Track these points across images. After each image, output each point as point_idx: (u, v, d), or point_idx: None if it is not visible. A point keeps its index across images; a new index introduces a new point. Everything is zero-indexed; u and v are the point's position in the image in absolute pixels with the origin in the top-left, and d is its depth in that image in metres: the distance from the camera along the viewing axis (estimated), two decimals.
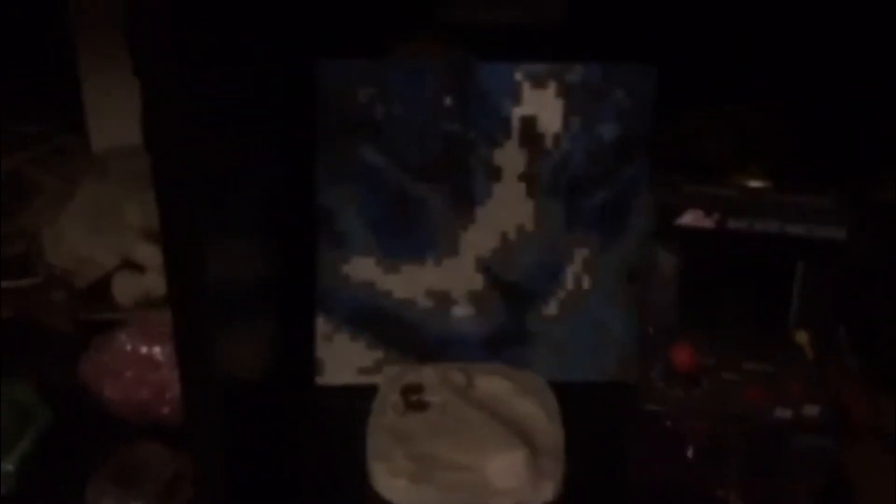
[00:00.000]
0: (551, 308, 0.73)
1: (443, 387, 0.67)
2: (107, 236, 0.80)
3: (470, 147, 0.71)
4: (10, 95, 0.88)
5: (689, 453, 0.56)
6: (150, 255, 0.77)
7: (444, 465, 0.59)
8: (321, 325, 0.72)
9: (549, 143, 0.72)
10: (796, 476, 0.55)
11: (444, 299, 0.73)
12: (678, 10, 0.73)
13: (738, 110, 0.73)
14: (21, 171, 0.85)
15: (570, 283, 0.73)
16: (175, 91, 0.45)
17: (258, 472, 0.63)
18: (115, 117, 0.89)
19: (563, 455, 0.61)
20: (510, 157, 0.72)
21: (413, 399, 0.65)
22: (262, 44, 0.65)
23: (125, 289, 0.77)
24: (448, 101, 0.70)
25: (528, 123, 0.71)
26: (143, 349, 0.65)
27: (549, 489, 0.59)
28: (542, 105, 0.71)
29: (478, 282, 0.73)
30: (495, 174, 0.72)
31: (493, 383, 0.67)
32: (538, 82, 0.70)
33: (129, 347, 0.65)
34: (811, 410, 0.54)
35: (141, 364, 0.65)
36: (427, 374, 0.68)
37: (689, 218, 0.55)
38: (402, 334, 0.73)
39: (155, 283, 0.77)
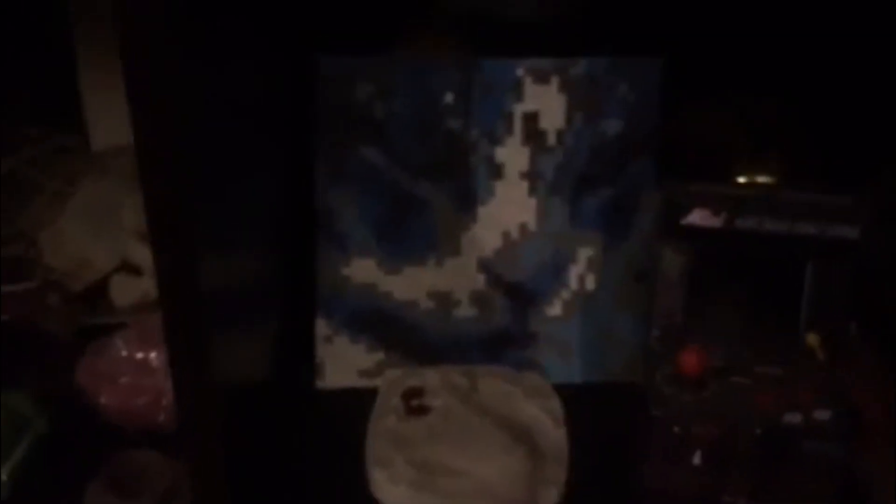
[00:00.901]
0: (555, 309, 0.72)
1: (445, 390, 0.65)
2: (105, 238, 0.79)
3: (472, 145, 0.70)
4: (9, 96, 0.87)
5: (697, 459, 0.54)
6: (148, 257, 0.76)
7: (445, 471, 0.58)
8: (321, 327, 0.71)
9: (552, 139, 0.70)
10: (807, 482, 0.53)
11: (445, 300, 0.72)
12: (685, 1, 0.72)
13: (748, 104, 0.72)
14: (20, 172, 0.84)
15: (574, 284, 0.72)
16: (163, 86, 0.44)
17: (257, 478, 0.61)
18: (114, 117, 0.88)
19: (566, 460, 0.60)
20: (513, 154, 0.70)
21: (414, 403, 0.63)
22: (259, 40, 0.63)
23: (123, 291, 0.76)
24: (449, 98, 0.69)
25: (531, 120, 0.70)
26: (140, 354, 0.64)
27: (551, 495, 0.58)
28: (545, 101, 0.69)
29: (480, 282, 0.72)
30: (497, 172, 0.71)
31: (496, 386, 0.66)
32: (541, 77, 0.69)
33: (125, 353, 0.64)
34: (822, 415, 0.52)
35: (137, 370, 0.63)
36: (429, 377, 0.67)
37: (697, 217, 0.54)
38: (404, 336, 0.72)
39: (153, 285, 0.76)
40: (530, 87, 0.69)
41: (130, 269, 0.77)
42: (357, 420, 0.64)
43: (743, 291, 0.56)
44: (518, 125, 0.70)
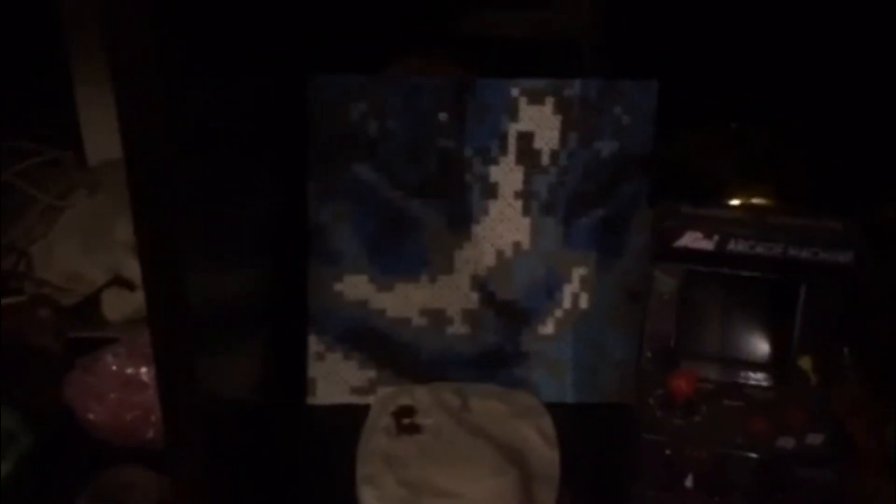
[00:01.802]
0: (548, 328, 0.72)
1: (436, 408, 0.65)
2: (98, 252, 0.78)
3: (466, 164, 0.70)
4: (3, 110, 0.87)
5: (689, 482, 0.54)
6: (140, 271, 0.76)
7: (435, 492, 0.57)
8: (313, 343, 0.71)
9: (546, 159, 0.70)
10: None
11: (438, 318, 0.72)
12: (681, 26, 0.72)
13: (741, 129, 0.72)
14: (12, 185, 0.84)
15: (567, 303, 0.72)
16: (153, 105, 0.44)
17: (246, 495, 0.61)
18: (110, 131, 0.88)
19: (557, 481, 0.60)
20: (507, 173, 0.70)
21: (405, 422, 0.63)
22: (253, 58, 0.63)
23: (115, 306, 0.75)
24: (443, 116, 0.69)
25: (525, 140, 0.70)
26: (129, 370, 0.63)
27: None
28: (539, 121, 0.70)
29: (473, 300, 0.72)
30: (491, 191, 0.71)
31: (488, 405, 0.66)
32: (535, 98, 0.69)
33: (115, 368, 0.63)
34: (815, 439, 0.52)
35: (126, 385, 0.63)
36: (420, 395, 0.66)
37: (689, 240, 0.54)
38: (396, 353, 0.72)
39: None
40: (525, 108, 0.69)
41: (123, 283, 0.77)
42: (348, 438, 0.64)
43: (735, 314, 0.55)
44: (512, 145, 0.70)
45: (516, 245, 0.71)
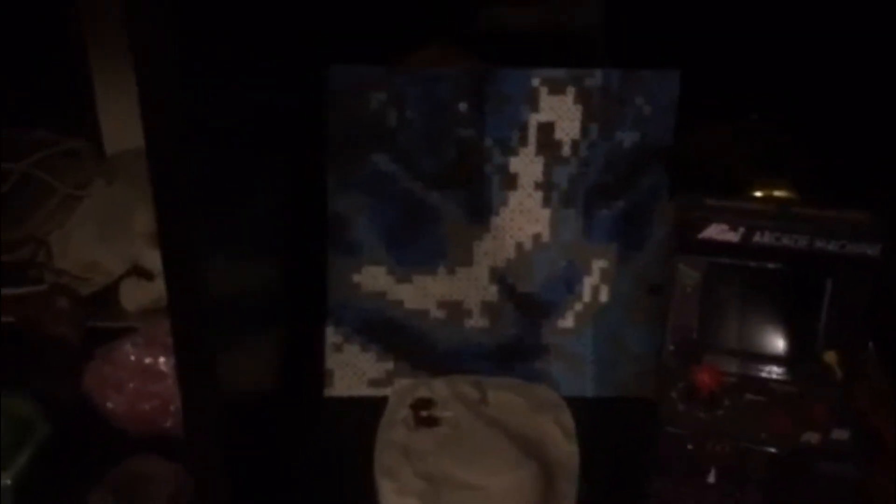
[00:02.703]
0: (567, 321, 0.71)
1: (455, 401, 0.64)
2: (116, 242, 0.79)
3: (485, 154, 0.69)
4: (22, 100, 0.87)
5: (711, 477, 0.53)
6: (158, 261, 0.76)
7: (454, 484, 0.57)
8: (331, 335, 0.71)
9: (567, 150, 0.69)
10: (822, 502, 0.52)
11: (456, 310, 0.71)
12: (705, 17, 0.71)
13: (762, 121, 0.71)
14: (31, 175, 0.84)
15: (587, 295, 0.71)
16: (175, 97, 0.44)
17: (263, 486, 0.61)
18: (128, 121, 0.88)
19: (577, 474, 0.59)
20: (526, 164, 0.70)
21: (424, 414, 0.63)
22: (272, 50, 0.63)
23: (133, 296, 0.76)
24: (463, 106, 0.69)
25: (546, 130, 0.69)
26: (148, 359, 0.63)
27: None
28: (560, 111, 0.69)
29: (492, 293, 0.71)
30: (511, 182, 0.70)
31: (507, 398, 0.65)
32: (556, 88, 0.68)
33: (133, 358, 0.63)
34: (839, 435, 0.51)
35: (145, 375, 0.63)
36: (439, 388, 0.66)
37: (713, 232, 0.53)
38: (414, 346, 0.71)
39: (163, 289, 0.76)
40: (545, 98, 0.69)
41: (141, 273, 0.77)
42: (366, 430, 0.64)
43: (759, 308, 0.55)
44: (532, 135, 0.69)
45: (536, 237, 0.71)
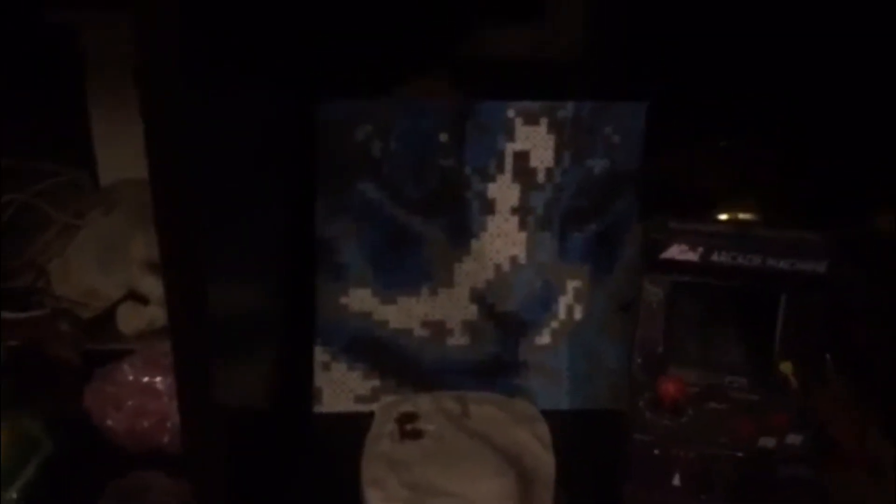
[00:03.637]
0: (544, 338, 0.75)
1: (438, 415, 0.68)
2: (113, 269, 0.82)
3: (465, 181, 0.74)
4: (20, 131, 0.90)
5: (677, 481, 0.57)
6: (154, 287, 0.79)
7: (438, 492, 0.60)
8: (319, 354, 0.74)
9: (541, 177, 0.74)
10: (782, 503, 0.56)
11: (439, 329, 0.75)
12: (669, 48, 0.75)
13: (729, 146, 0.75)
14: (30, 205, 0.87)
15: (562, 313, 0.75)
16: (177, 128, 0.47)
17: (258, 498, 0.64)
18: (123, 152, 0.92)
19: (553, 482, 0.62)
20: (504, 190, 0.74)
21: (408, 427, 0.66)
22: (267, 83, 0.67)
23: (129, 320, 0.79)
24: (444, 137, 0.73)
25: (522, 158, 0.73)
26: (145, 379, 0.66)
27: None
28: (534, 140, 0.73)
29: (472, 312, 0.75)
30: (489, 207, 0.74)
31: (487, 412, 0.69)
32: (531, 119, 0.73)
33: (131, 377, 0.66)
34: (794, 439, 0.55)
35: (143, 393, 0.66)
36: (422, 403, 0.69)
37: (675, 252, 0.57)
38: (399, 363, 0.75)
39: (158, 314, 0.79)
40: (521, 128, 0.73)
41: (137, 298, 0.80)
42: (353, 444, 0.67)
43: (719, 322, 0.59)
44: (509, 163, 0.73)
45: (513, 259, 0.75)
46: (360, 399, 0.74)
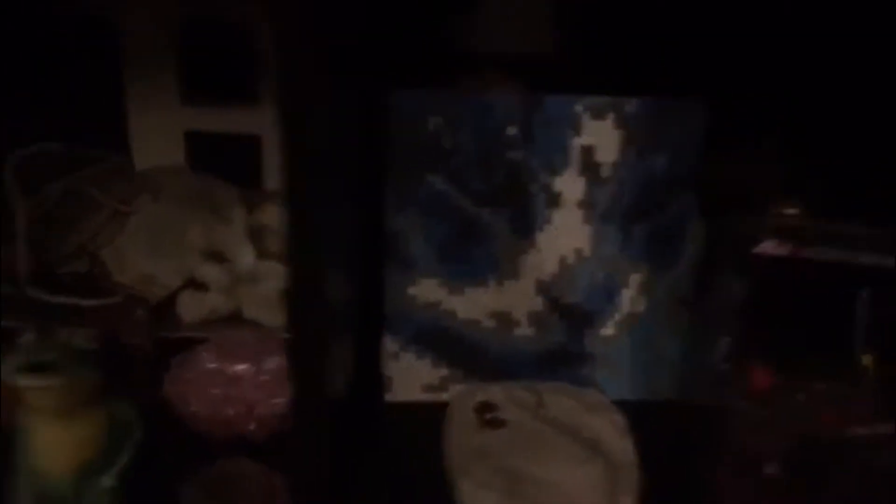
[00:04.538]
0: (608, 329, 0.77)
1: (512, 404, 0.69)
2: (168, 257, 0.81)
3: (531, 175, 0.75)
4: (57, 117, 0.89)
5: (769, 469, 0.59)
6: (214, 275, 0.79)
7: (527, 480, 0.62)
8: (389, 344, 0.75)
9: (606, 171, 0.75)
10: (873, 492, 0.58)
11: (505, 320, 0.76)
12: (730, 49, 0.77)
13: (785, 143, 0.78)
14: (75, 190, 0.86)
15: (625, 306, 0.77)
16: (312, 125, 0.48)
17: (341, 486, 0.64)
18: (156, 140, 0.91)
19: (636, 469, 0.64)
20: (569, 184, 0.75)
21: (489, 416, 0.67)
22: (349, 78, 0.67)
23: (191, 308, 0.78)
24: (512, 130, 0.74)
25: (588, 153, 0.75)
26: (227, 366, 0.66)
27: (630, 502, 0.62)
28: (600, 135, 0.75)
29: (538, 303, 0.76)
30: (555, 201, 0.75)
31: (561, 401, 0.70)
32: (597, 114, 0.74)
33: (212, 365, 0.66)
34: (885, 428, 0.58)
35: (224, 381, 0.66)
36: (495, 393, 0.71)
37: (768, 247, 0.59)
38: (466, 353, 0.76)
39: (219, 301, 0.79)
40: (588, 123, 0.74)
41: (196, 286, 0.80)
42: (425, 432, 0.68)
43: (804, 315, 0.61)
44: (575, 157, 0.75)
45: (578, 252, 0.76)
46: (428, 388, 0.75)
